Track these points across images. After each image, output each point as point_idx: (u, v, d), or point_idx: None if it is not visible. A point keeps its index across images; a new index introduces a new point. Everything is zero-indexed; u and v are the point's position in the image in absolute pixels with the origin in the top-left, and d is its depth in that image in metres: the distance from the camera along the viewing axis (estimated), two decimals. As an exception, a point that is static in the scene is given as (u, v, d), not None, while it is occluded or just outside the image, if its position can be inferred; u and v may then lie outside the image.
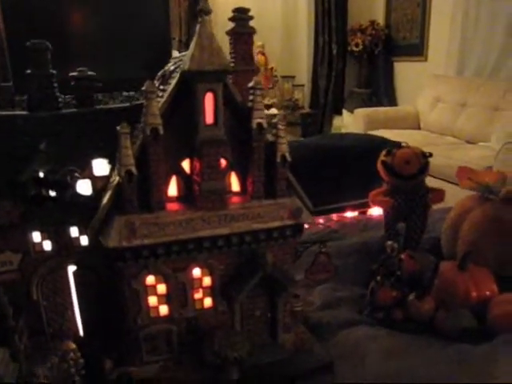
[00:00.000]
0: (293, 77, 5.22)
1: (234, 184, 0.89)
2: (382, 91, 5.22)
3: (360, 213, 1.72)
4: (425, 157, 1.20)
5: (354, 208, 1.74)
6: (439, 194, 1.25)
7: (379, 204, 1.24)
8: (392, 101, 5.14)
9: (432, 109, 4.42)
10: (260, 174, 0.86)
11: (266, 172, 0.86)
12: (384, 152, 1.24)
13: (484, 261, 1.14)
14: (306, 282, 1.01)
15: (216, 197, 0.82)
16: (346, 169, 2.03)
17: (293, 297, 1.00)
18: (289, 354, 0.94)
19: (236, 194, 0.89)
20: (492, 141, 3.46)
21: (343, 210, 1.72)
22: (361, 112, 4.46)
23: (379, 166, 1.23)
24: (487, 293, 1.07)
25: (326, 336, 1.01)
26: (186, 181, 0.86)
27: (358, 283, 1.20)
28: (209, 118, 0.81)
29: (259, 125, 0.83)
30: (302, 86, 5.31)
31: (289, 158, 0.85)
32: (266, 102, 4.85)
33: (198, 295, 0.88)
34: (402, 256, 1.15)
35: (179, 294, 0.86)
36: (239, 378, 0.87)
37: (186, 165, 0.85)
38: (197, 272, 0.86)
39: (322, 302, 1.11)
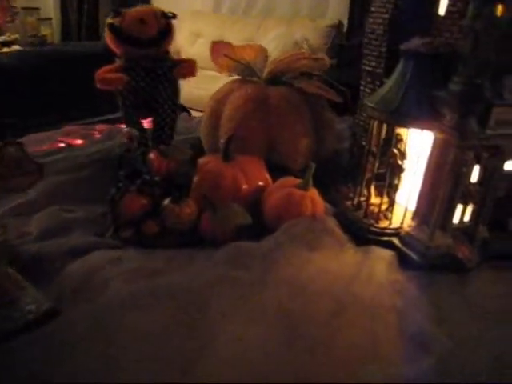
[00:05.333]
0: (37, 9, 4.45)
1: None
2: (139, 24, 4.86)
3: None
4: (167, 17, 0.91)
5: (106, 122, 1.40)
6: (189, 67, 0.97)
7: (109, 83, 0.89)
8: (151, 35, 4.81)
9: (192, 44, 4.39)
10: None
11: None
12: (111, 13, 0.90)
13: (252, 148, 0.93)
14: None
15: None
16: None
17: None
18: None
19: None
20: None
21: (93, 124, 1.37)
22: (104, 46, 4.07)
23: (106, 33, 0.90)
24: (260, 183, 0.87)
25: (49, 272, 0.68)
26: None
27: (96, 200, 0.88)
28: None
29: None
30: (50, 19, 4.59)
31: None
32: (6, 38, 4.07)
33: None
34: (151, 154, 0.87)
35: None
36: None
37: None
38: None
39: (42, 230, 0.77)
